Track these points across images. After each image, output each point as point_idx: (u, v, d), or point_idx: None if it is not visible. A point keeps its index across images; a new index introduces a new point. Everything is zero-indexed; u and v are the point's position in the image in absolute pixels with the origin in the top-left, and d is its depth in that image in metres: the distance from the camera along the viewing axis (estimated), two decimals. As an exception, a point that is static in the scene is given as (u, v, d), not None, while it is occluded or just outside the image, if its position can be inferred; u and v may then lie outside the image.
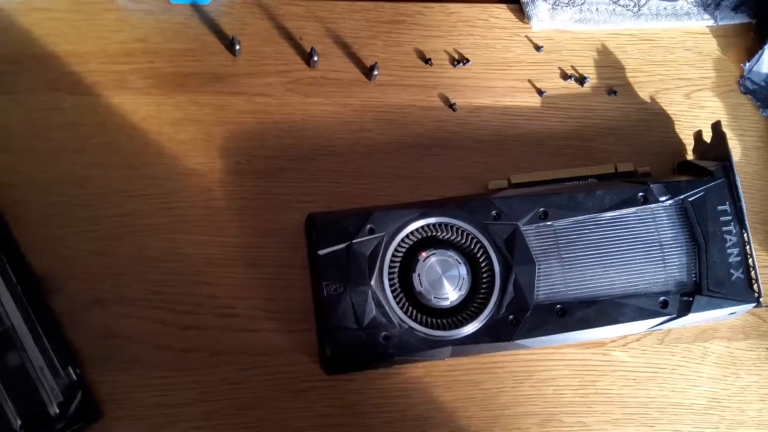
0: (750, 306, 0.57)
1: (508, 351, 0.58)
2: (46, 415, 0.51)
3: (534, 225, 0.56)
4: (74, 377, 0.52)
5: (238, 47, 0.60)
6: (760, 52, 0.67)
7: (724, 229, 0.58)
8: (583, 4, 0.67)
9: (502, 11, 0.67)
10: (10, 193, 0.55)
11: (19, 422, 0.50)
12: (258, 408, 0.55)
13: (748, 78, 0.68)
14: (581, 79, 0.66)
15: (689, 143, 0.66)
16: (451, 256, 0.55)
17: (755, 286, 0.57)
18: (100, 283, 0.55)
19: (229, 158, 0.59)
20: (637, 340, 0.61)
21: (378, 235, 0.54)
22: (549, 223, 0.56)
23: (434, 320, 0.53)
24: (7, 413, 0.50)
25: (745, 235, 0.58)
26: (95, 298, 0.55)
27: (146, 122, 0.58)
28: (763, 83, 0.68)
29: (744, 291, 0.57)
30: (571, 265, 0.56)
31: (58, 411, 0.51)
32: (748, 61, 0.68)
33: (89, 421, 0.52)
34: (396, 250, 0.54)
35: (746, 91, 0.68)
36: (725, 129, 0.61)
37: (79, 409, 0.52)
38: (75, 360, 0.53)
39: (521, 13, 0.67)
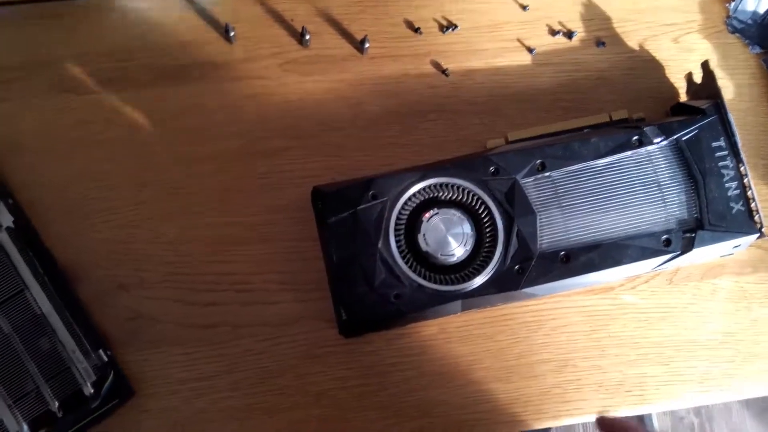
0: (753, 237, 0.57)
1: (517, 302, 0.60)
2: (81, 395, 0.54)
3: (532, 177, 0.57)
4: (105, 358, 0.55)
5: (232, 34, 0.62)
6: (744, -10, 0.67)
7: (720, 164, 0.58)
8: (563, -41, 0.68)
9: (486, -26, 0.68)
10: (31, 192, 0.58)
11: (57, 403, 0.53)
12: (281, 375, 0.57)
13: (735, 17, 0.68)
14: (569, 34, 0.67)
15: (682, 87, 0.66)
16: (455, 214, 0.56)
17: (756, 217, 0.57)
18: (122, 269, 0.58)
19: (233, 141, 0.61)
20: (646, 281, 0.62)
21: (381, 200, 0.56)
22: (547, 174, 0.57)
23: (442, 276, 0.55)
24: (44, 395, 0.53)
25: (742, 168, 0.58)
26: (119, 283, 0.58)
27: (151, 114, 0.61)
28: (750, 21, 0.68)
29: (745, 222, 0.57)
30: (571, 212, 0.57)
31: (92, 390, 0.54)
32: (734, 1, 0.68)
33: (123, 398, 0.55)
34: (400, 212, 0.56)
35: (734, 30, 0.68)
36: (716, 69, 0.62)
37: (113, 387, 0.55)
38: (105, 342, 0.56)
39: (505, -25, 0.68)
